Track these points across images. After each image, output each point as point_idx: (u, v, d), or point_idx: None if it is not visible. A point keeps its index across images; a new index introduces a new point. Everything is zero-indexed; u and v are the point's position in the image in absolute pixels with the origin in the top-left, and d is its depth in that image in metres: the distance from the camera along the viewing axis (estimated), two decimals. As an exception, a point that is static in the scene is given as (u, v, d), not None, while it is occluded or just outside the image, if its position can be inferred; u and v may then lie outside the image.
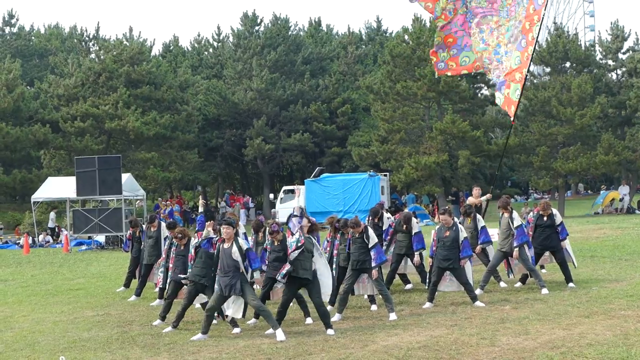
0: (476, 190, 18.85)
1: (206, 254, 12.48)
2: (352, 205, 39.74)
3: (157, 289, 16.39)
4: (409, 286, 16.67)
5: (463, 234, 14.14)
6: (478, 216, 16.41)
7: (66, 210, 35.62)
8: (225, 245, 11.75)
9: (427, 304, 14.02)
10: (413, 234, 15.68)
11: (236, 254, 11.69)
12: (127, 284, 18.26)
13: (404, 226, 15.78)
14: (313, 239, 12.49)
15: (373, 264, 12.98)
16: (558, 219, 15.84)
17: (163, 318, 13.58)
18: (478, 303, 13.68)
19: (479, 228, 16.15)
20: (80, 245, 34.23)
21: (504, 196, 16.43)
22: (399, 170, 44.68)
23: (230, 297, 11.78)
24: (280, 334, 11.40)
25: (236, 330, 12.37)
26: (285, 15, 63.18)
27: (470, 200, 18.19)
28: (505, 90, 17.41)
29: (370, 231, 13.23)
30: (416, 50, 47.22)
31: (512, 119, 18.26)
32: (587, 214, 43.42)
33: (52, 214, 40.61)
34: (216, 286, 11.84)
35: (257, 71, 55.29)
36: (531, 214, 16.81)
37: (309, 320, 12.86)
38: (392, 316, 12.88)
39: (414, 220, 15.98)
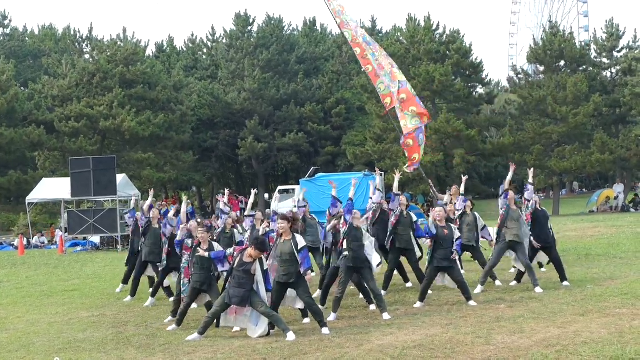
0: (454, 189, 18.63)
1: (202, 259, 12.53)
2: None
3: (150, 289, 16.41)
4: (409, 284, 16.64)
5: (457, 233, 14.13)
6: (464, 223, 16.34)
7: (61, 211, 35.60)
8: (246, 260, 11.72)
9: (418, 304, 13.99)
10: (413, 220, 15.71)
11: (258, 272, 11.75)
12: (125, 281, 18.20)
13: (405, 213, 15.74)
14: (297, 235, 12.39)
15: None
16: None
17: (175, 314, 13.58)
18: (472, 302, 13.68)
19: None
20: (75, 246, 34.22)
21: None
22: (394, 170, 44.72)
23: (240, 307, 11.85)
24: (291, 335, 11.40)
25: (236, 328, 12.37)
26: (279, 16, 63.18)
27: (446, 198, 18.03)
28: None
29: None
30: (410, 49, 47.28)
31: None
32: (582, 212, 43.52)
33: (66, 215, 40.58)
34: (224, 293, 11.86)
35: (250, 71, 55.28)
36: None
37: (306, 320, 12.85)
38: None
39: (411, 213, 15.98)
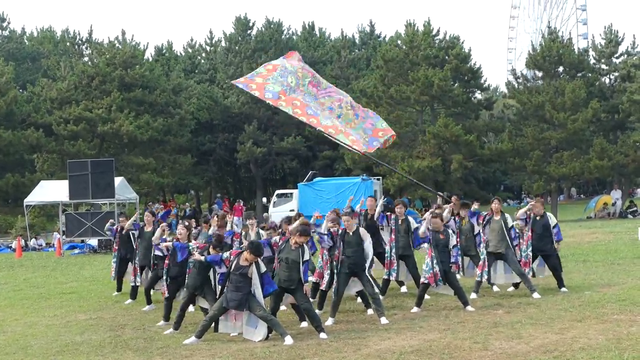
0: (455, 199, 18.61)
1: (200, 264, 12.52)
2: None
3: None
4: (403, 289, 16.60)
5: (453, 240, 14.14)
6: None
7: (59, 214, 35.56)
8: (242, 264, 11.73)
9: (415, 309, 13.98)
10: (412, 229, 15.61)
11: (254, 276, 11.75)
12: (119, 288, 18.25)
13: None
14: (305, 246, 12.44)
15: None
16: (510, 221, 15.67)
17: (167, 319, 13.55)
18: (469, 307, 13.68)
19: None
20: (73, 248, 34.17)
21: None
22: (392, 174, 44.73)
23: (239, 311, 11.83)
24: (288, 339, 11.41)
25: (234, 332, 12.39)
26: (278, 20, 63.22)
27: (446, 213, 17.94)
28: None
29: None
30: (409, 54, 47.34)
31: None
32: (580, 218, 43.51)
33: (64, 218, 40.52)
34: (222, 297, 11.88)
35: (250, 75, 55.24)
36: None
37: (303, 324, 12.84)
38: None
39: (410, 218, 15.87)
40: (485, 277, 15.35)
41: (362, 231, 13.38)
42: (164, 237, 14.24)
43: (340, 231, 13.39)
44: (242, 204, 53.00)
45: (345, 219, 13.52)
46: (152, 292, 15.90)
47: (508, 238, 15.17)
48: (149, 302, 15.80)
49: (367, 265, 13.18)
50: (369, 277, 13.34)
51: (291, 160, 55.82)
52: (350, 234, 13.22)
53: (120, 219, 18.29)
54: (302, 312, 12.75)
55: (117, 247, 17.98)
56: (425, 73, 44.96)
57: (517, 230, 15.69)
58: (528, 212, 15.75)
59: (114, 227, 18.01)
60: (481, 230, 15.67)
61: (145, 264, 16.53)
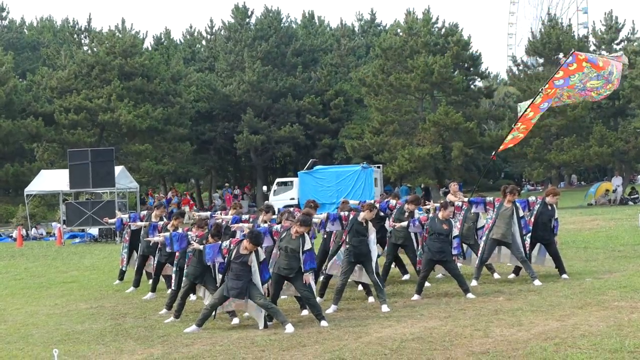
0: (454, 186, 18.63)
1: (200, 252, 12.50)
2: (345, 197, 39.70)
3: (149, 281, 16.41)
4: (406, 277, 16.60)
5: (456, 231, 14.15)
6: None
7: (59, 203, 35.56)
8: (242, 252, 11.73)
9: (416, 296, 13.98)
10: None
11: (253, 264, 11.76)
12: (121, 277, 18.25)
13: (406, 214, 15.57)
14: (306, 235, 12.43)
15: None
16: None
17: (169, 307, 13.55)
18: (470, 295, 13.68)
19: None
20: (74, 238, 34.20)
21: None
22: (393, 162, 44.70)
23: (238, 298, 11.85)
24: (289, 327, 11.41)
25: (235, 320, 12.38)
26: (277, 8, 63.10)
27: (450, 197, 17.91)
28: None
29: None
30: (408, 41, 47.22)
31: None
32: (581, 205, 43.47)
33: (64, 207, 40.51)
34: (223, 285, 11.88)
35: (249, 63, 55.19)
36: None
37: (304, 312, 12.84)
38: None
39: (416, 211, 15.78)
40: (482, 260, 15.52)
41: (371, 226, 13.34)
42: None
43: (351, 216, 13.37)
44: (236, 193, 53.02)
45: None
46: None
47: (518, 228, 15.20)
48: (153, 289, 15.81)
49: (372, 255, 13.15)
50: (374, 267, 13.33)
51: (289, 147, 55.74)
52: (364, 224, 13.19)
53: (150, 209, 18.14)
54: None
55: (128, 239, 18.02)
56: (425, 60, 44.88)
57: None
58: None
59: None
60: (489, 218, 15.67)
61: (151, 253, 16.50)
